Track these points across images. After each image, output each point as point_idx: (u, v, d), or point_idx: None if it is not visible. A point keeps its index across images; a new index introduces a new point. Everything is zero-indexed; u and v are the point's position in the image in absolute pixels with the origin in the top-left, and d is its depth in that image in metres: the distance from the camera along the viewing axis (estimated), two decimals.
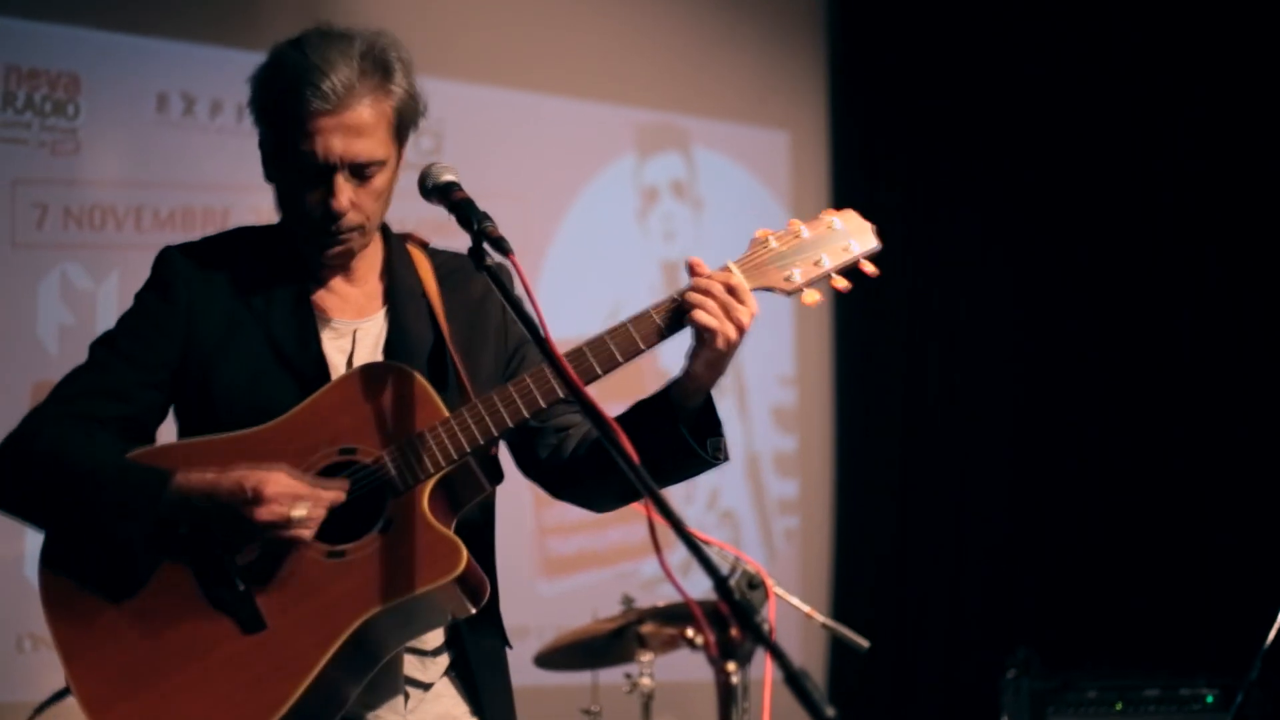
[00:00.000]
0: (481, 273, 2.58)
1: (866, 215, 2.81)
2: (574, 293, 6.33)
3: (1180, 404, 7.14)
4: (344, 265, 2.85)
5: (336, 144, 2.70)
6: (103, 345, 2.82)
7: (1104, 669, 5.91)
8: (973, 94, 7.45)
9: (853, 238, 2.75)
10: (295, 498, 2.57)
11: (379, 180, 2.76)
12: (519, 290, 2.55)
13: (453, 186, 2.68)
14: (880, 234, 2.78)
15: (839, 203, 3.32)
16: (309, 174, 2.73)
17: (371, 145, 2.73)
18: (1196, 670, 5.76)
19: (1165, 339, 7.24)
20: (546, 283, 6.46)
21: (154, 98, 5.87)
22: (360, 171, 2.73)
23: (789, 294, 2.73)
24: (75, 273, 5.65)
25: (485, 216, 2.61)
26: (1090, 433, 7.29)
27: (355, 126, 2.71)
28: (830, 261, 2.73)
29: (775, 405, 7.11)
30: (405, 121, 2.79)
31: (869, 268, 2.76)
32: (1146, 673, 5.77)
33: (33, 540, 5.38)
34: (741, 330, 2.63)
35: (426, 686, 2.78)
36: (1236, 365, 7.04)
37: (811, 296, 2.73)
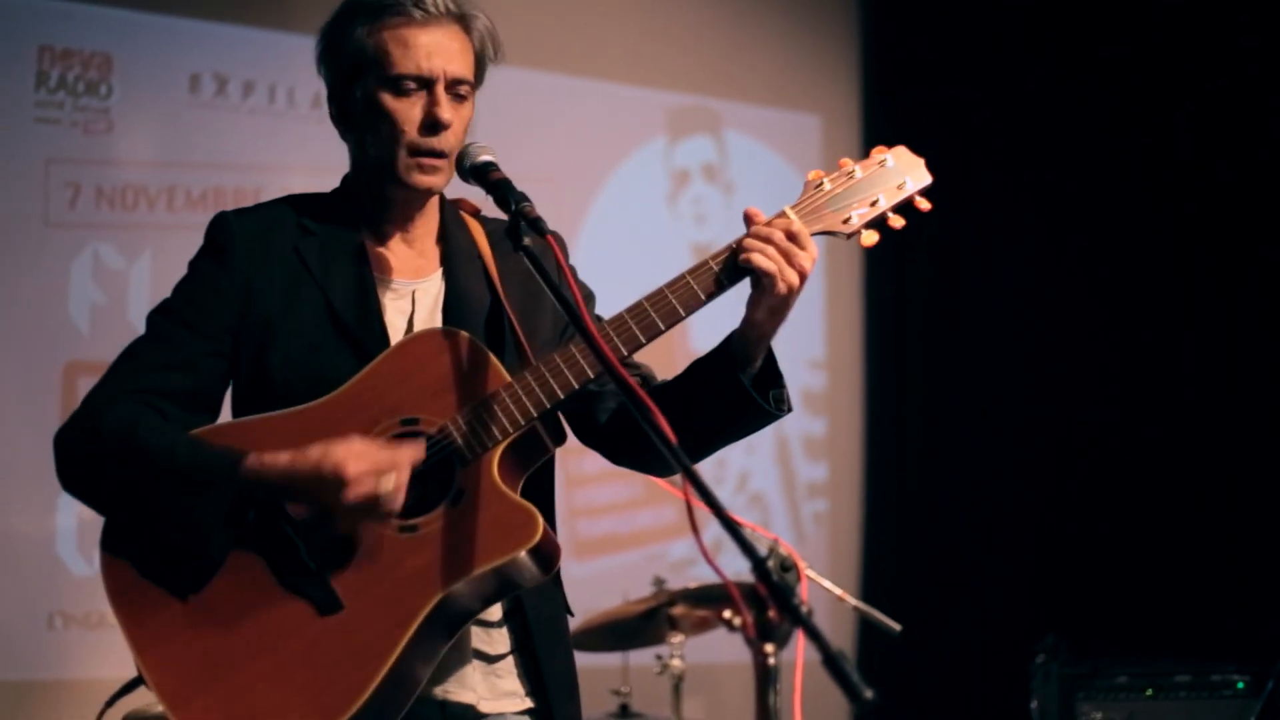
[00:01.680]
0: (519, 252, 2.57)
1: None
2: (604, 275, 6.27)
3: (1212, 389, 7.10)
4: (406, 219, 2.81)
5: (439, 57, 2.71)
6: (161, 315, 2.73)
7: (1134, 655, 5.89)
8: (1004, 80, 7.42)
9: (907, 174, 2.71)
10: (378, 472, 2.48)
11: (466, 109, 2.75)
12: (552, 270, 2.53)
13: (490, 166, 2.67)
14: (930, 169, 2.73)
15: None
16: (407, 92, 2.71)
17: (466, 64, 2.74)
18: (1227, 656, 5.74)
19: (1196, 324, 7.20)
20: (576, 264, 6.42)
21: (186, 78, 5.88)
22: (457, 90, 2.73)
23: (849, 236, 2.68)
24: (107, 253, 5.65)
25: (523, 197, 2.60)
26: (1121, 419, 7.25)
27: (451, 43, 2.72)
28: (886, 201, 2.69)
29: (805, 388, 7.10)
30: (483, 62, 2.79)
31: (923, 204, 2.72)
32: (1177, 659, 5.74)
33: (64, 519, 5.38)
34: (804, 276, 2.59)
35: (492, 660, 2.72)
36: (1267, 353, 6.99)
37: (870, 237, 2.68)
